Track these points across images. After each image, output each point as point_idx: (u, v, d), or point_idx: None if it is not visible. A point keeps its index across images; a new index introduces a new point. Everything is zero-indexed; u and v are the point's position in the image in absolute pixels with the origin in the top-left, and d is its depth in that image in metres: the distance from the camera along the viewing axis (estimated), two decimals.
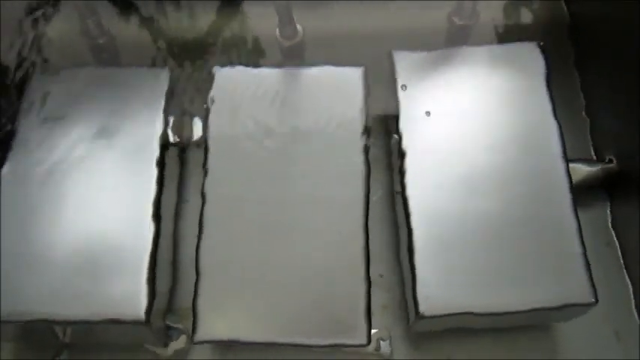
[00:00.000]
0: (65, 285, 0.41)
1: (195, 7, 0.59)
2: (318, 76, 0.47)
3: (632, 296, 0.47)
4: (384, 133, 0.52)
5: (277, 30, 0.50)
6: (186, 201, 0.50)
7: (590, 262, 0.41)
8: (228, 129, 0.45)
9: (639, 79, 0.45)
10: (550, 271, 0.40)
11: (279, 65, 0.48)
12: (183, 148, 0.52)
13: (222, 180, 0.44)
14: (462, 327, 0.43)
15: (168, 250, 0.47)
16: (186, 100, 0.54)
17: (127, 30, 0.58)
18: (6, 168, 0.44)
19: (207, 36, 0.58)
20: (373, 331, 0.43)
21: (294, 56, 0.51)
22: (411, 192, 0.43)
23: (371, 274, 0.41)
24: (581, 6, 0.57)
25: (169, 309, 0.47)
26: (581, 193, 0.44)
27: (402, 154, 0.44)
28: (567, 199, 0.42)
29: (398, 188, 0.46)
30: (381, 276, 0.48)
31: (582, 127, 0.53)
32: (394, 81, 0.47)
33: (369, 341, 0.39)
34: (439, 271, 0.40)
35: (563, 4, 0.59)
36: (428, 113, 0.45)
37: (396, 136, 0.46)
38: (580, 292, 0.40)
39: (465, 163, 0.43)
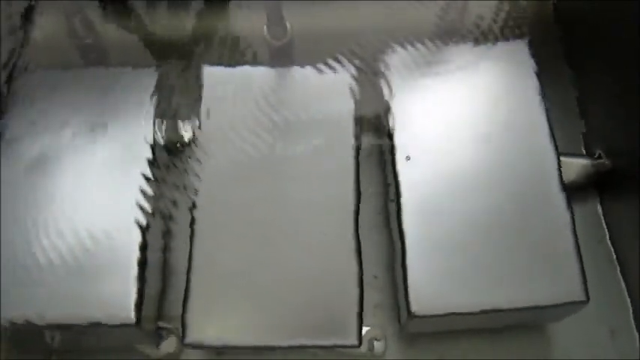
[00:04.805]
0: (54, 287, 0.40)
1: (184, 6, 0.58)
2: (308, 76, 0.47)
3: (625, 294, 0.47)
4: (375, 131, 0.52)
5: (265, 29, 0.50)
6: (176, 202, 0.50)
7: (583, 260, 0.40)
8: (218, 129, 0.45)
9: (630, 74, 0.45)
10: (542, 270, 0.40)
11: (268, 65, 0.48)
12: (172, 148, 0.51)
13: (212, 181, 0.44)
14: (454, 327, 0.43)
15: (158, 253, 0.46)
16: (175, 100, 0.53)
17: (115, 30, 0.58)
18: None
19: (196, 35, 0.58)
20: (366, 329, 0.43)
21: (284, 55, 0.51)
22: (403, 192, 0.43)
23: (365, 275, 0.41)
24: (569, 2, 0.56)
25: (160, 311, 0.46)
26: (573, 189, 0.44)
27: (393, 154, 0.44)
28: (560, 196, 0.42)
29: (390, 187, 0.45)
30: (376, 277, 0.47)
31: (573, 123, 0.53)
32: (385, 80, 0.46)
33: (360, 342, 0.39)
34: (431, 271, 0.40)
35: (552, 1, 0.59)
36: (418, 113, 0.45)
37: (387, 134, 0.46)
38: (572, 291, 0.40)
39: (457, 162, 0.43)
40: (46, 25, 0.58)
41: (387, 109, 0.46)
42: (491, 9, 0.57)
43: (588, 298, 0.39)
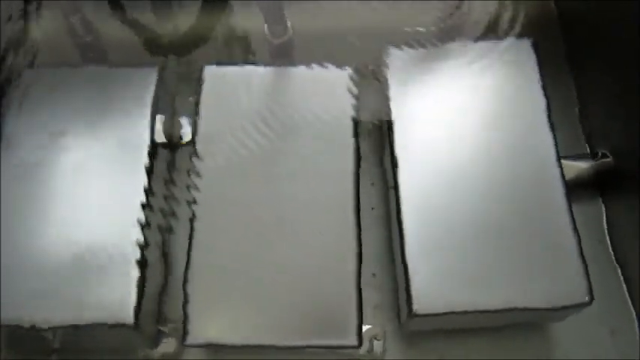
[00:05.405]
0: (53, 288, 0.40)
1: (184, 5, 0.58)
2: (308, 75, 0.47)
3: (626, 293, 0.47)
4: (375, 131, 0.52)
5: (265, 28, 0.50)
6: (176, 202, 0.50)
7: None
8: (218, 128, 0.45)
9: (630, 74, 0.45)
10: (544, 270, 0.40)
11: (268, 64, 0.48)
12: (173, 147, 0.51)
13: (212, 180, 0.44)
14: (455, 326, 0.43)
15: (158, 253, 0.46)
16: (175, 99, 0.53)
17: (115, 28, 0.57)
18: None
19: (196, 34, 0.57)
20: (366, 327, 0.43)
21: (283, 55, 0.51)
22: (403, 191, 0.42)
23: (364, 273, 0.41)
24: (570, 2, 0.56)
25: (160, 311, 0.46)
26: (574, 189, 0.43)
27: (393, 152, 0.44)
28: (561, 196, 0.42)
29: (390, 188, 0.45)
30: (374, 275, 0.47)
31: (576, 122, 0.53)
32: (386, 78, 0.46)
33: (361, 342, 0.39)
34: (432, 270, 0.40)
35: (553, 1, 0.59)
36: (418, 113, 0.45)
37: (388, 134, 0.46)
38: (575, 292, 0.39)
39: (458, 161, 0.43)
40: (45, 24, 0.57)
41: (387, 109, 0.46)
42: (491, 9, 0.58)
43: (592, 299, 0.39)
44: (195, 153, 0.44)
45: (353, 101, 0.46)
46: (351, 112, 0.46)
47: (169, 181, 0.50)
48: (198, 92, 0.46)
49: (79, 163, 0.44)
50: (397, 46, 0.48)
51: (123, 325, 0.39)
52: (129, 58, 0.56)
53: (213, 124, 0.45)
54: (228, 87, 0.47)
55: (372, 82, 0.48)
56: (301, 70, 0.47)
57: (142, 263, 0.41)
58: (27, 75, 0.48)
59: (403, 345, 0.46)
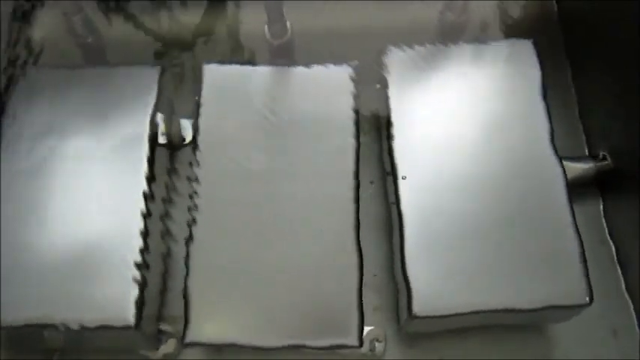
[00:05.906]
0: (53, 289, 0.40)
1: (185, 4, 0.58)
2: (308, 74, 0.47)
3: (626, 294, 0.47)
4: (375, 131, 0.52)
5: (266, 28, 0.50)
6: (176, 202, 0.50)
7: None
8: (218, 128, 0.45)
9: (630, 74, 0.45)
10: (545, 271, 0.40)
11: (268, 63, 0.48)
12: (173, 147, 0.51)
13: (212, 180, 0.44)
14: (455, 327, 0.43)
15: (158, 253, 0.46)
16: (176, 98, 0.53)
17: (116, 28, 0.57)
18: None
19: (197, 34, 0.58)
20: (368, 329, 0.43)
21: (284, 54, 0.51)
22: (403, 191, 0.42)
23: (365, 274, 0.41)
24: (570, 2, 0.56)
25: (160, 312, 0.46)
26: (575, 190, 0.43)
27: (393, 152, 0.44)
28: (562, 197, 0.42)
29: (390, 188, 0.45)
30: (375, 275, 0.47)
31: (576, 123, 0.53)
32: (386, 78, 0.46)
33: (362, 342, 0.39)
34: (432, 272, 0.40)
35: (554, 1, 0.59)
36: (418, 113, 0.45)
37: (387, 134, 0.46)
38: (574, 293, 0.39)
39: (458, 162, 0.43)
40: (46, 24, 0.57)
41: (387, 109, 0.46)
42: (492, 8, 0.58)
43: (592, 300, 0.39)
44: (195, 153, 0.44)
45: (353, 101, 0.46)
46: (351, 112, 0.46)
47: (169, 182, 0.50)
48: (198, 92, 0.46)
49: (80, 163, 0.44)
50: (397, 46, 0.48)
51: (123, 326, 0.39)
52: (129, 58, 0.56)
53: (214, 123, 0.45)
54: (229, 87, 0.46)
55: (372, 82, 0.48)
56: (301, 70, 0.47)
57: (143, 264, 0.41)
58: (28, 75, 0.48)
59: (403, 345, 0.46)
